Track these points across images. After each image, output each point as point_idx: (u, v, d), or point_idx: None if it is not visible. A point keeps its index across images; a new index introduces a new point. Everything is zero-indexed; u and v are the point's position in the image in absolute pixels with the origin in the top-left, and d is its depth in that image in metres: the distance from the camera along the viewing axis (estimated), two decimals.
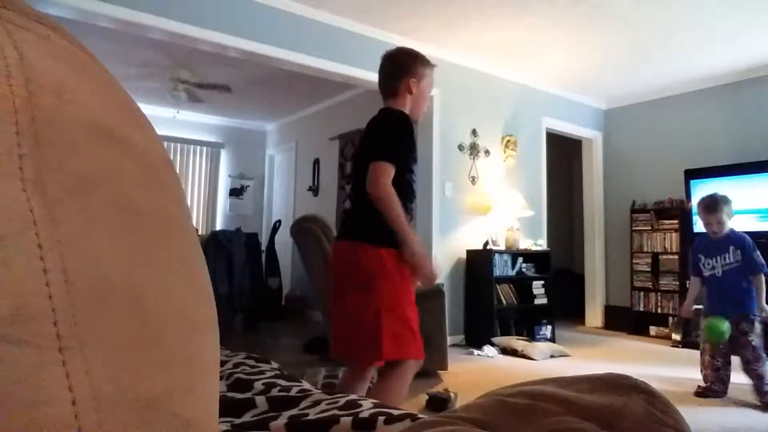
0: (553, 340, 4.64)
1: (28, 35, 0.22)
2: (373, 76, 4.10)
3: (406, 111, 1.83)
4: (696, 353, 4.31)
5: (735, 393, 2.94)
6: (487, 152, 4.94)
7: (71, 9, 2.97)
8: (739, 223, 4.55)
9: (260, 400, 0.91)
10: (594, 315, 5.80)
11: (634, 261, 5.38)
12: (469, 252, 4.67)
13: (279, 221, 6.39)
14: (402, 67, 1.87)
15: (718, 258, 2.99)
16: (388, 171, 1.66)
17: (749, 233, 3.07)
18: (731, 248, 2.95)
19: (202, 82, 5.28)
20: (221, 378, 1.07)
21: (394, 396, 1.66)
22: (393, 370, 1.70)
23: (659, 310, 5.14)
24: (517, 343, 4.15)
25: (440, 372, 3.41)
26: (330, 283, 1.87)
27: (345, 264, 1.77)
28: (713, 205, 2.97)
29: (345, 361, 1.92)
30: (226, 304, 4.89)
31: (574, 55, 4.66)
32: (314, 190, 6.72)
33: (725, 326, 2.78)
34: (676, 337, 4.64)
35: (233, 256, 5.03)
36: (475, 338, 4.46)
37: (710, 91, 5.18)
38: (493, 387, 0.48)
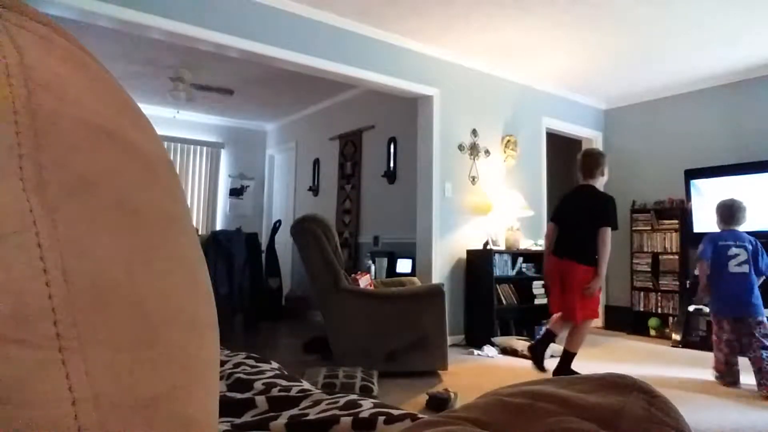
0: (553, 340, 4.63)
1: (28, 35, 0.22)
2: (374, 77, 4.16)
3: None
4: (695, 353, 4.32)
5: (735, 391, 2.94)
6: (487, 152, 4.94)
7: (71, 9, 2.97)
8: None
9: (260, 400, 0.91)
10: None
11: (634, 261, 5.38)
12: (469, 252, 4.67)
13: (279, 221, 6.39)
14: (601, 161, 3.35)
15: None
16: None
17: (749, 233, 3.07)
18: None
19: (203, 85, 5.28)
20: (221, 378, 1.07)
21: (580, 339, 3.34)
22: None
23: (659, 310, 5.14)
24: (517, 343, 4.15)
25: (440, 372, 3.41)
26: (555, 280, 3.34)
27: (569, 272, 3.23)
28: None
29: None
30: (226, 304, 4.89)
31: (574, 55, 4.66)
32: (314, 190, 6.73)
33: None
34: (676, 337, 4.64)
35: (233, 256, 5.03)
36: (475, 338, 4.46)
37: (710, 91, 5.18)
38: (493, 387, 0.48)
